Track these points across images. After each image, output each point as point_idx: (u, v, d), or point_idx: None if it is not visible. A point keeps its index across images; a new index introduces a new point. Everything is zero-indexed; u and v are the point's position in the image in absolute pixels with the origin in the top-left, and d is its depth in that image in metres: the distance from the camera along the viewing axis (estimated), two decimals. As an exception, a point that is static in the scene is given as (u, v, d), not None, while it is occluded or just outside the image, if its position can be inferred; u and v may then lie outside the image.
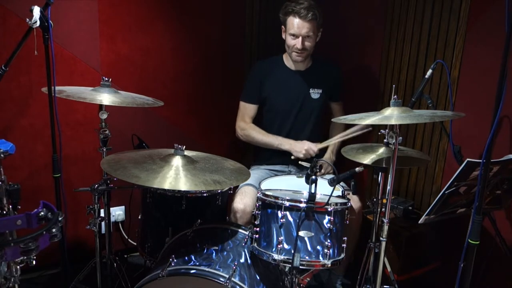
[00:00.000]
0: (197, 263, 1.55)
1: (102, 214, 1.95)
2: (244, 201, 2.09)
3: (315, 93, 2.37)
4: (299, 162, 2.19)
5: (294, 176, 2.09)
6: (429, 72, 1.88)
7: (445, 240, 2.24)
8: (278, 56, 2.42)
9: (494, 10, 1.95)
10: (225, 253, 1.64)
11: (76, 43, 2.32)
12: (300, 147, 2.24)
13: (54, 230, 1.01)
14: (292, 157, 2.26)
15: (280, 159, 2.41)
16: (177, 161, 1.66)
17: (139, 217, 2.07)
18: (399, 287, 1.93)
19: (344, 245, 1.61)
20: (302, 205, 1.51)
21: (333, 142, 2.26)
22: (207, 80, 2.78)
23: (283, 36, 2.32)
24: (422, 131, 2.33)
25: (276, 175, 2.35)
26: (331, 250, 1.55)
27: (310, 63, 2.39)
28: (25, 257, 0.98)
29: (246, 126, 2.42)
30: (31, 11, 1.66)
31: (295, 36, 2.21)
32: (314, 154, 2.23)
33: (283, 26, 2.30)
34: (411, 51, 2.35)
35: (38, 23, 1.68)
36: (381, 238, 1.67)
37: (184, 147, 1.73)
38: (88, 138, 2.43)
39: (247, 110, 2.43)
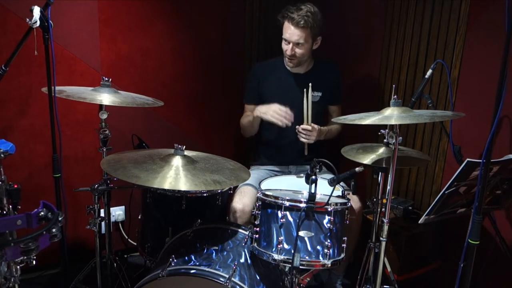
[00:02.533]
0: (197, 263, 1.55)
1: (102, 214, 1.95)
2: (243, 201, 2.09)
3: (314, 96, 2.34)
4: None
5: (294, 176, 2.09)
6: (429, 72, 1.88)
7: (445, 240, 2.24)
8: (278, 57, 2.40)
9: (494, 10, 1.95)
10: (225, 253, 1.64)
11: (76, 43, 2.32)
12: (266, 108, 2.15)
13: (54, 230, 1.01)
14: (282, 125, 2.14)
15: (280, 159, 2.41)
16: (177, 161, 1.67)
17: (139, 217, 2.07)
18: (399, 287, 1.93)
19: (344, 245, 1.61)
20: (302, 205, 1.51)
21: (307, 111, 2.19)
22: (207, 80, 2.78)
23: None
24: (422, 131, 2.33)
25: (276, 175, 2.35)
26: (331, 250, 1.55)
27: (310, 65, 2.38)
28: (25, 257, 0.98)
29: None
30: (31, 11, 1.66)
31: (287, 41, 2.21)
32: (285, 114, 2.10)
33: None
34: (411, 51, 2.35)
35: (38, 23, 1.68)
36: (381, 238, 1.67)
37: (184, 147, 1.73)
38: (88, 138, 2.43)
39: (247, 110, 2.45)
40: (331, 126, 2.41)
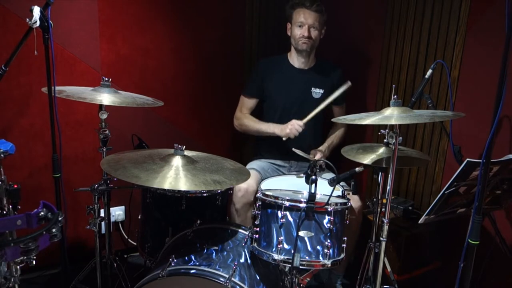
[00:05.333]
0: (197, 263, 1.55)
1: (102, 214, 1.95)
2: (247, 181, 2.10)
3: (316, 93, 2.39)
4: (293, 150, 2.19)
5: (294, 176, 2.10)
6: (429, 72, 1.88)
7: (445, 240, 2.24)
8: (283, 54, 2.46)
9: (494, 10, 1.95)
10: (225, 253, 1.64)
11: (76, 43, 2.32)
12: (285, 127, 2.26)
13: (54, 230, 1.01)
14: (284, 139, 2.27)
15: (281, 155, 2.43)
16: (177, 161, 1.66)
17: (139, 217, 2.07)
18: (399, 287, 1.93)
19: (344, 245, 1.62)
20: (302, 205, 1.51)
21: (315, 112, 2.23)
22: (207, 80, 2.78)
23: (288, 33, 2.38)
24: (422, 131, 2.33)
25: (277, 169, 2.40)
26: (331, 250, 1.55)
27: (313, 62, 2.43)
28: (25, 257, 0.98)
29: (241, 115, 2.50)
30: (31, 11, 1.66)
31: (302, 24, 2.28)
32: (301, 129, 2.22)
33: (288, 23, 2.37)
34: (411, 51, 2.35)
35: (38, 23, 1.68)
36: (381, 238, 1.67)
37: (184, 147, 1.73)
38: (88, 138, 2.43)
39: (245, 103, 2.50)
40: (331, 137, 2.46)
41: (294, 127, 2.22)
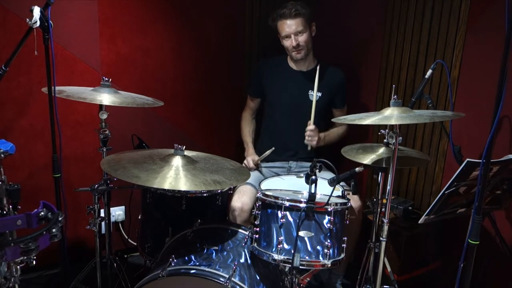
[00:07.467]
0: (197, 263, 1.55)
1: (102, 214, 1.95)
2: (242, 200, 2.10)
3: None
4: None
5: (294, 176, 2.10)
6: (429, 72, 1.88)
7: (445, 240, 2.24)
8: (282, 55, 2.47)
9: (494, 10, 1.95)
10: (225, 253, 1.64)
11: (76, 43, 2.32)
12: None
13: (54, 230, 1.01)
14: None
15: (280, 157, 2.42)
16: (177, 161, 1.67)
17: (139, 217, 2.07)
18: (399, 287, 1.93)
19: (344, 245, 1.62)
20: (302, 205, 1.51)
21: (264, 155, 2.31)
22: (207, 80, 2.78)
23: (282, 43, 2.38)
24: (422, 131, 2.33)
25: (277, 173, 2.37)
26: (331, 250, 1.55)
27: (313, 64, 2.42)
28: (25, 257, 0.98)
29: (243, 117, 2.62)
30: (31, 11, 1.67)
31: (287, 35, 2.28)
32: (253, 165, 2.36)
33: (278, 34, 2.37)
34: (411, 51, 2.35)
35: (38, 23, 1.68)
36: (381, 238, 1.67)
37: (184, 147, 1.73)
38: (88, 138, 2.43)
39: (248, 102, 2.60)
40: (330, 130, 2.46)
41: (247, 165, 2.37)
